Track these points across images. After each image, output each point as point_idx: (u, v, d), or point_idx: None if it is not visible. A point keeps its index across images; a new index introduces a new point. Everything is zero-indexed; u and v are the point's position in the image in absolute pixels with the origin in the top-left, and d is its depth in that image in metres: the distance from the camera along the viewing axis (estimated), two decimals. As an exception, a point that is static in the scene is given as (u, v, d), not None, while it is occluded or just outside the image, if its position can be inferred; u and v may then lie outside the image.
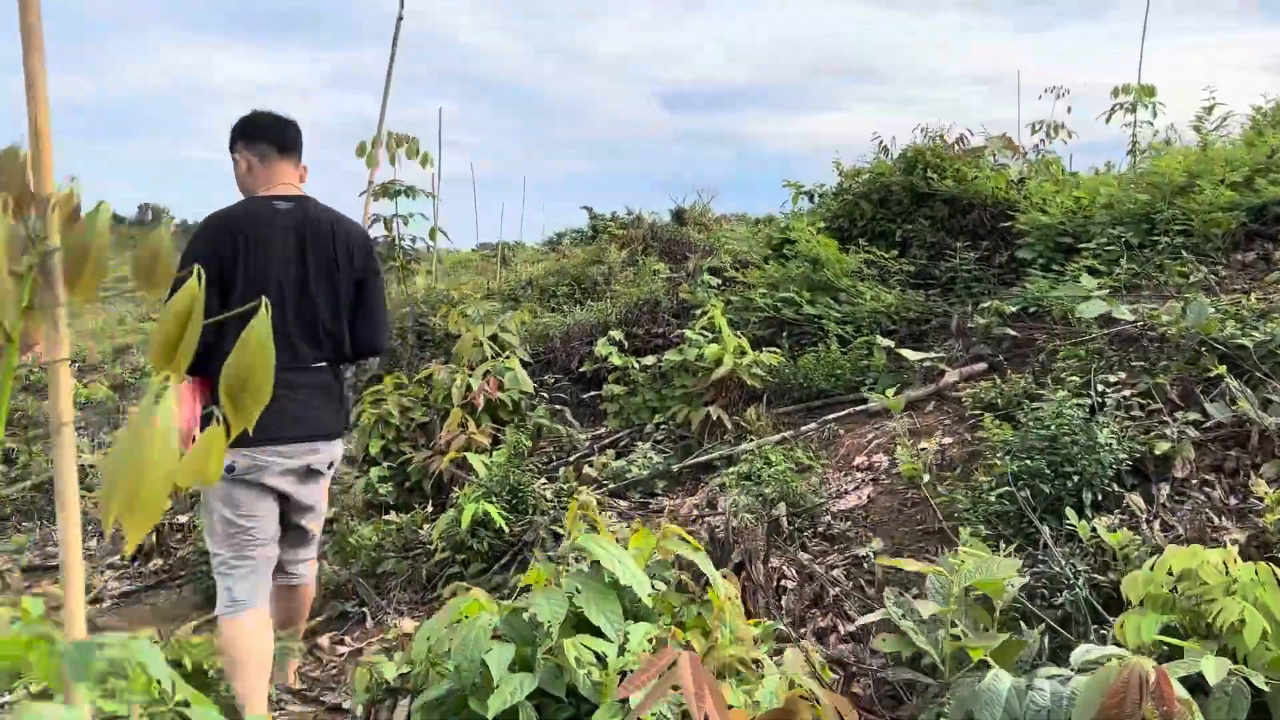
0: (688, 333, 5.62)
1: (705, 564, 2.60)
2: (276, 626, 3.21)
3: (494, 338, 6.83)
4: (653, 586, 2.51)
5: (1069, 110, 9.43)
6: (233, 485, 3.00)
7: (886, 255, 6.55)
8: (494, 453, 5.23)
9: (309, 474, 3.17)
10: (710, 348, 5.40)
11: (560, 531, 4.39)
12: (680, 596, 2.73)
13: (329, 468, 3.28)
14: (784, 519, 4.07)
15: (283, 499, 3.15)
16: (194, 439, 1.18)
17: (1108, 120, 8.18)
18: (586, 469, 5.15)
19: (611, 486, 4.92)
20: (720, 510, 4.54)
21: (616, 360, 5.57)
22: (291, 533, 3.29)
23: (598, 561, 2.44)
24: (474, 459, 4.95)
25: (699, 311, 6.46)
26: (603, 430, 6.17)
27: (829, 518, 4.17)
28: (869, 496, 4.29)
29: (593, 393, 7.04)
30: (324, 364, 3.17)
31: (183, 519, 5.74)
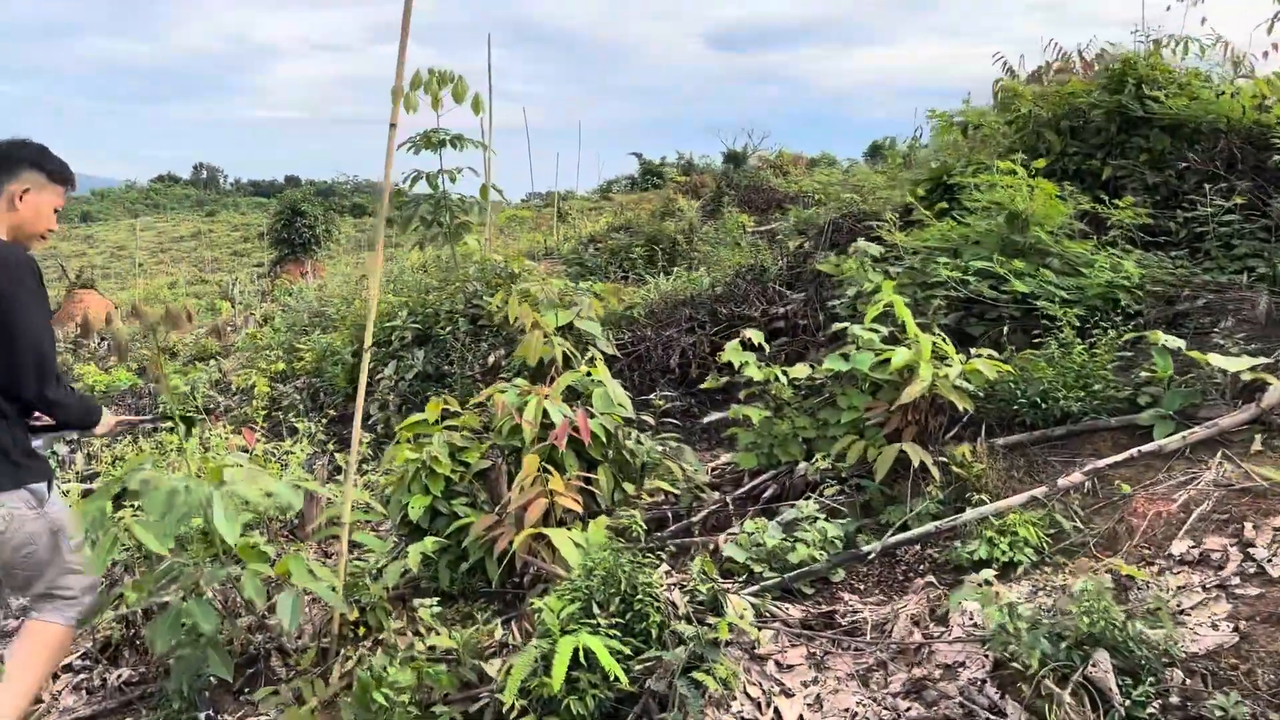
0: (857, 330, 3.85)
1: None
2: None
3: (568, 327, 5.17)
4: None
5: (1203, 21, 7.21)
6: None
7: (1123, 204, 4.67)
8: (586, 520, 3.57)
9: None
10: (896, 352, 3.64)
11: (702, 679, 2.74)
12: None
13: None
14: (1110, 681, 2.34)
15: None
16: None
17: (1269, 30, 6.05)
18: (724, 544, 3.46)
19: (770, 580, 3.23)
20: (962, 630, 2.84)
21: (755, 373, 3.83)
22: None
23: None
24: (560, 539, 3.30)
25: (851, 292, 4.67)
26: (722, 461, 4.48)
27: (1176, 669, 2.44)
28: (1235, 627, 2.54)
29: (689, 395, 5.35)
30: None
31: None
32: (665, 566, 3.21)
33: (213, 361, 8.50)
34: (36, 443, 3.00)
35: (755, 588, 3.19)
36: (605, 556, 3.16)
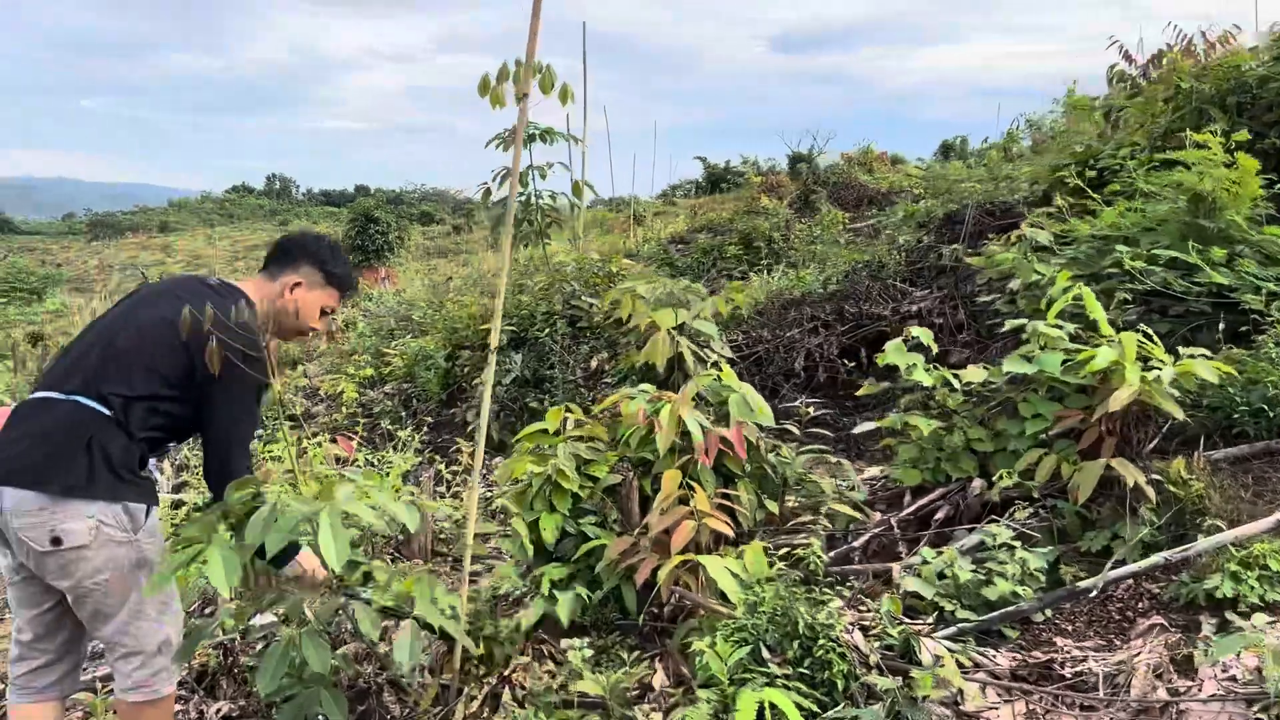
0: (1042, 327, 3.35)
1: None
2: None
3: (679, 328, 4.75)
4: None
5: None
6: None
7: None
8: (739, 544, 3.13)
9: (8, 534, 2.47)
10: (1096, 352, 3.13)
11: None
12: None
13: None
14: None
15: None
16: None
17: None
18: (902, 576, 2.99)
19: (966, 621, 2.75)
20: (1217, 685, 2.34)
21: (924, 377, 3.35)
22: None
23: None
24: (716, 568, 2.87)
25: (1015, 284, 4.17)
26: (868, 476, 4.00)
27: None
28: None
29: (820, 402, 4.88)
30: None
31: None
32: (838, 602, 2.76)
33: (299, 367, 8.29)
34: (150, 465, 2.68)
35: (950, 630, 2.72)
36: (771, 590, 2.73)
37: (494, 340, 3.06)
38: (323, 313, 2.91)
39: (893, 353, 3.39)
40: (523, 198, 7.53)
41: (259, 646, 3.93)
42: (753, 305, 6.11)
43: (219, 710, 3.52)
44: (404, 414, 6.55)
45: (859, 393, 3.75)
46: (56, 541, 2.45)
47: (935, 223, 6.88)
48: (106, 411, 2.52)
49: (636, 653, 3.05)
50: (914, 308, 5.21)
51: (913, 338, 3.39)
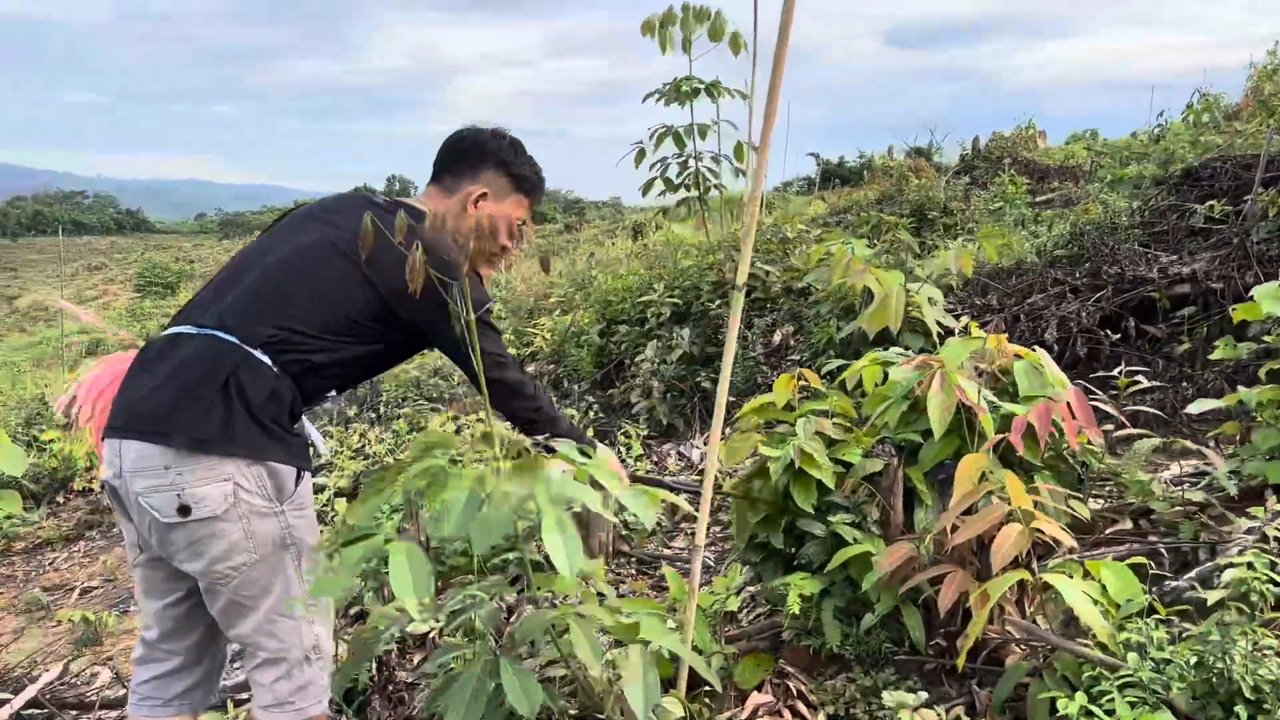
0: None
1: None
2: None
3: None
4: None
5: None
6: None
7: None
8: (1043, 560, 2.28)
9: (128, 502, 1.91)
10: None
11: None
12: None
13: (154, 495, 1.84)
14: None
15: None
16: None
17: None
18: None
19: None
20: None
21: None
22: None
23: None
24: (1070, 591, 2.02)
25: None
26: (1178, 471, 3.07)
27: None
28: None
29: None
30: None
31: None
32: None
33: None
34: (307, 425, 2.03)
35: None
36: (1155, 627, 1.87)
37: (741, 275, 2.29)
38: (513, 228, 2.33)
39: (1267, 299, 2.47)
40: (680, 159, 6.80)
41: (416, 660, 3.28)
42: (1011, 257, 5.18)
43: (373, 739, 2.86)
44: (554, 396, 5.88)
45: (1213, 356, 2.83)
46: (184, 510, 1.84)
47: (1173, 180, 5.87)
48: (250, 348, 1.89)
49: (922, 696, 2.22)
50: (1186, 269, 4.23)
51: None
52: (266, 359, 1.89)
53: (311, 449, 2.05)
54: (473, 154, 2.27)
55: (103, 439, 1.96)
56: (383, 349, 2.12)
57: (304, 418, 2.03)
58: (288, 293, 1.97)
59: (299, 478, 1.99)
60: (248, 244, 2.21)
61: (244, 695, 3.24)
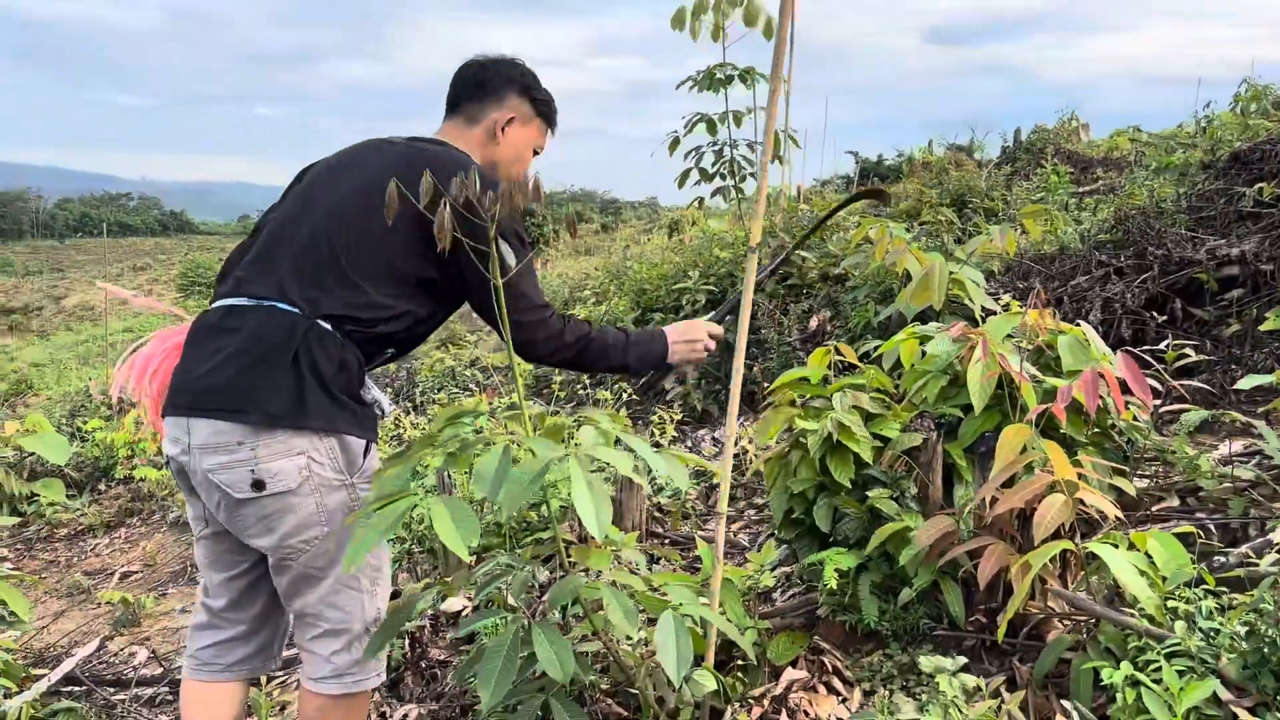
0: None
1: None
2: None
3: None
4: None
5: None
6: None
7: None
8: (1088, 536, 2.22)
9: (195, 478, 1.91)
10: None
11: None
12: None
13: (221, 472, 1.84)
14: None
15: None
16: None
17: None
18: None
19: None
20: None
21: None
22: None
23: None
24: (1117, 562, 1.96)
25: None
26: (1226, 450, 2.97)
27: None
28: None
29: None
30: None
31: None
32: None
33: (468, 339, 7.78)
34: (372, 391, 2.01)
35: None
36: (1203, 596, 1.81)
37: (755, 236, 2.25)
38: (534, 154, 2.30)
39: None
40: (715, 147, 6.75)
41: (449, 635, 3.27)
42: (1054, 242, 5.08)
43: (405, 715, 2.85)
44: (588, 383, 5.87)
45: (1263, 327, 2.74)
46: (258, 486, 1.83)
47: (1220, 164, 5.72)
48: (313, 317, 1.86)
49: (960, 660, 2.16)
50: (1234, 250, 4.11)
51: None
52: (330, 327, 1.87)
53: (376, 408, 2.03)
54: (495, 80, 2.22)
55: (164, 415, 1.95)
56: (434, 305, 2.05)
57: (370, 384, 2.01)
58: (330, 250, 1.92)
59: (367, 450, 1.98)
60: (272, 207, 2.17)
61: (286, 671, 3.25)
